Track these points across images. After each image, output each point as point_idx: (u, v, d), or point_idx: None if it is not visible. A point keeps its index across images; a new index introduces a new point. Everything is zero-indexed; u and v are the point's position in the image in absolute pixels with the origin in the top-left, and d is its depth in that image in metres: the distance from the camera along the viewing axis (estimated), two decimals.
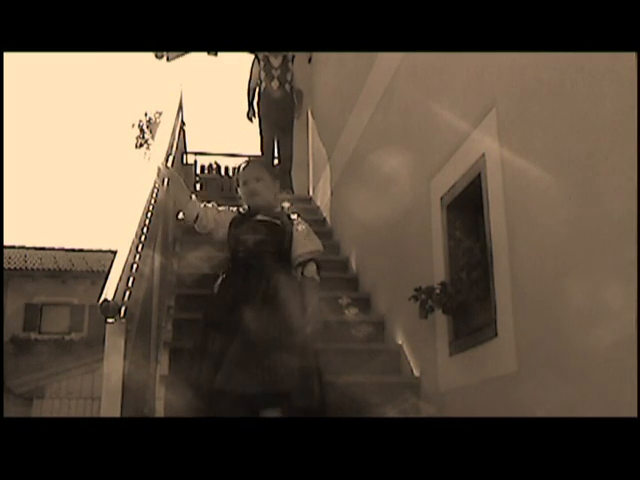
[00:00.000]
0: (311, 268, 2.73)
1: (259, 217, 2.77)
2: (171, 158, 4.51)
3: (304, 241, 2.75)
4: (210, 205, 2.86)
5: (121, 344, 1.88)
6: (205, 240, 4.81)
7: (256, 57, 7.19)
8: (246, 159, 2.97)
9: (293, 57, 7.23)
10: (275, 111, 7.02)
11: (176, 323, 3.88)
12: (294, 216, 2.85)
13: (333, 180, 6.17)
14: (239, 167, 2.91)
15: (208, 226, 2.81)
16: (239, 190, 2.86)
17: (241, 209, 2.86)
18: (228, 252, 2.80)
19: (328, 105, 6.87)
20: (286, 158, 7.19)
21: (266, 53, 7.08)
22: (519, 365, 2.55)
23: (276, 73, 7.11)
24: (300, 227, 2.79)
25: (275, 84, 7.08)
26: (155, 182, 3.20)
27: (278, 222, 2.76)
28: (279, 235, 2.71)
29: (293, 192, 7.19)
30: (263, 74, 7.11)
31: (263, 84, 7.10)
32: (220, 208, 2.88)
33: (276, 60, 7.12)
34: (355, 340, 4.00)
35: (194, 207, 2.80)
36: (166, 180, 2.93)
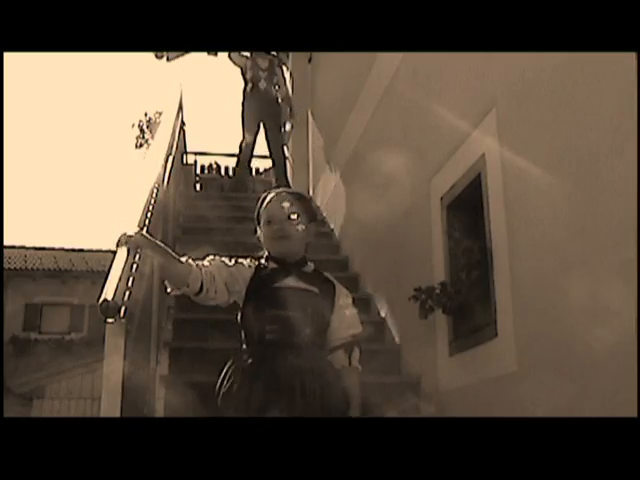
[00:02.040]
0: (356, 355, 2.04)
1: (291, 283, 1.97)
2: (171, 158, 4.53)
3: (351, 320, 2.06)
4: (215, 264, 1.96)
5: (121, 344, 1.88)
6: (206, 240, 4.83)
7: (244, 55, 7.19)
8: (275, 190, 2.12)
9: (281, 63, 7.28)
10: (260, 112, 7.03)
11: (176, 323, 3.88)
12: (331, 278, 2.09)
13: (333, 180, 6.17)
14: (263, 198, 2.08)
15: (219, 298, 1.94)
16: (259, 231, 2.06)
17: (261, 260, 2.03)
18: (245, 329, 1.98)
19: (328, 105, 6.87)
20: (279, 159, 7.22)
21: (254, 54, 7.10)
22: (519, 365, 2.55)
23: (263, 75, 7.12)
24: (343, 297, 2.07)
25: (262, 85, 7.10)
26: (155, 184, 3.20)
27: (316, 290, 2.00)
28: (321, 311, 1.98)
29: None
30: (251, 73, 7.11)
31: (250, 84, 7.11)
32: (227, 263, 1.99)
33: (263, 62, 7.14)
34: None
35: (195, 274, 1.89)
36: (137, 252, 2.01)
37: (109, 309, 1.79)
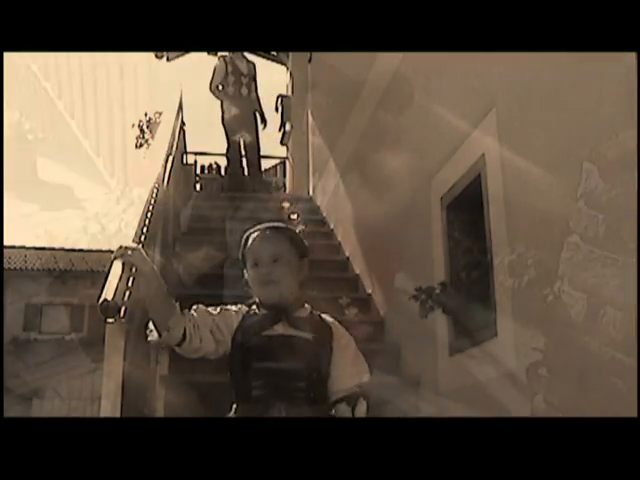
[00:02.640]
0: (362, 408, 1.77)
1: (281, 330, 1.78)
2: (171, 158, 4.53)
3: (352, 368, 1.82)
4: (199, 311, 1.77)
5: (121, 344, 1.88)
6: (206, 240, 4.83)
7: (223, 59, 7.19)
8: (259, 225, 1.87)
9: (254, 65, 7.33)
10: (241, 116, 7.06)
11: None
12: (327, 316, 1.90)
13: (333, 180, 6.17)
14: (246, 237, 1.86)
15: (205, 348, 1.74)
16: (245, 274, 1.85)
17: (251, 307, 1.83)
18: (233, 385, 1.78)
19: (328, 105, 6.87)
20: (255, 165, 7.29)
21: (233, 58, 7.12)
22: (519, 365, 2.55)
23: (245, 80, 7.15)
24: (344, 340, 1.87)
25: (244, 91, 7.13)
26: (155, 184, 3.20)
27: (309, 337, 1.79)
28: (314, 360, 1.77)
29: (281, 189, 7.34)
30: (233, 78, 7.12)
31: (232, 89, 7.12)
32: (211, 311, 1.79)
33: (243, 66, 7.17)
34: (355, 340, 4.00)
35: (177, 318, 1.71)
36: (131, 269, 1.86)
37: (109, 309, 1.79)
